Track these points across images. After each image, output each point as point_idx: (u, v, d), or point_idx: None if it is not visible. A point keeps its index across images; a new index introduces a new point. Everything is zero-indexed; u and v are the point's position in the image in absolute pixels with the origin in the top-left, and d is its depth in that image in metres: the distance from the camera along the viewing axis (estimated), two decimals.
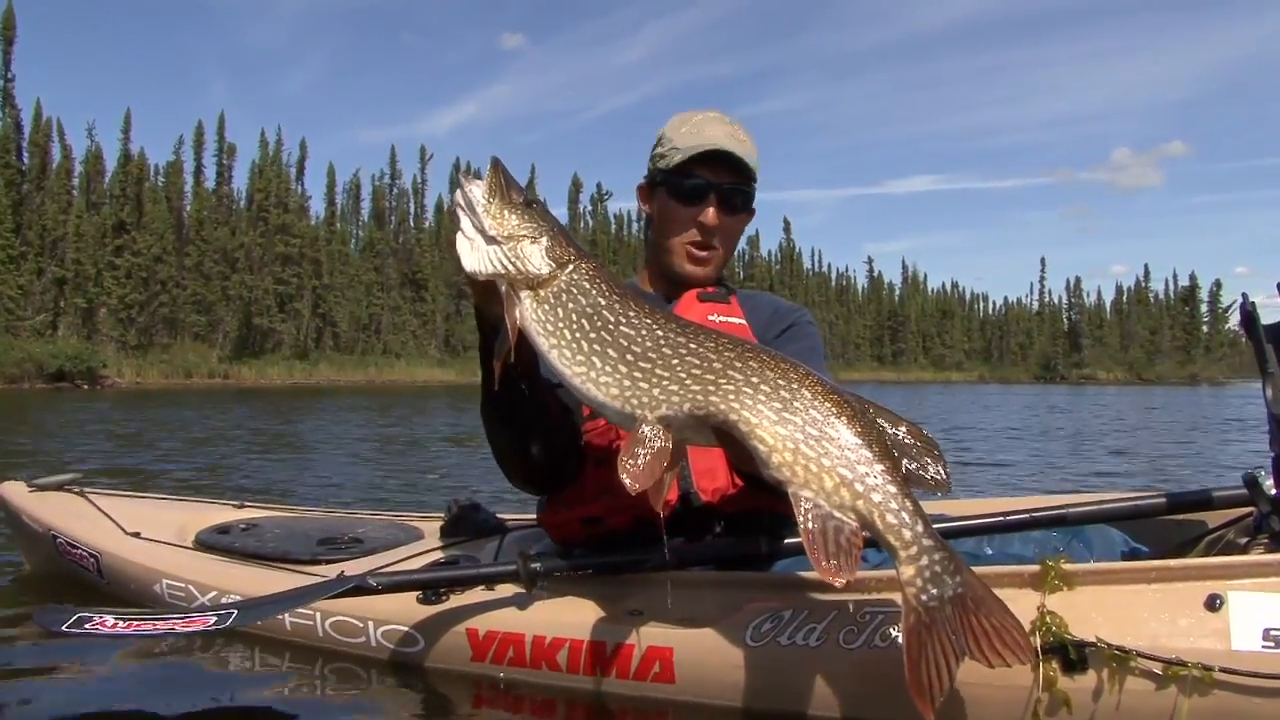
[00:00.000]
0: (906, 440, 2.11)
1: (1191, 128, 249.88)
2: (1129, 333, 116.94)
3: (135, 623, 2.74)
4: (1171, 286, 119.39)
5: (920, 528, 2.01)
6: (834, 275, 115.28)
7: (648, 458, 2.12)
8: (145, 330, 57.07)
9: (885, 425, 2.12)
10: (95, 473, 8.81)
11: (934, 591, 1.99)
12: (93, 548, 3.71)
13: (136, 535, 3.72)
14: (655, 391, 2.18)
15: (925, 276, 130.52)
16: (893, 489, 2.03)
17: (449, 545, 3.45)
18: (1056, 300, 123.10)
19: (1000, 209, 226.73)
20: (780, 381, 2.11)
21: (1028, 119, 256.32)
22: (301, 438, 15.17)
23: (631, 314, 2.26)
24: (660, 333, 2.23)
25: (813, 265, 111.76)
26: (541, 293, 2.28)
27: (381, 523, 4.01)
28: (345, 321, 68.19)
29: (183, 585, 3.33)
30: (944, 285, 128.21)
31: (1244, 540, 2.50)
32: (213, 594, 3.22)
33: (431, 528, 3.76)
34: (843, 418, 2.08)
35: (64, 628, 2.73)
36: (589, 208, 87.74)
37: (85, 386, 43.74)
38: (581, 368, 2.24)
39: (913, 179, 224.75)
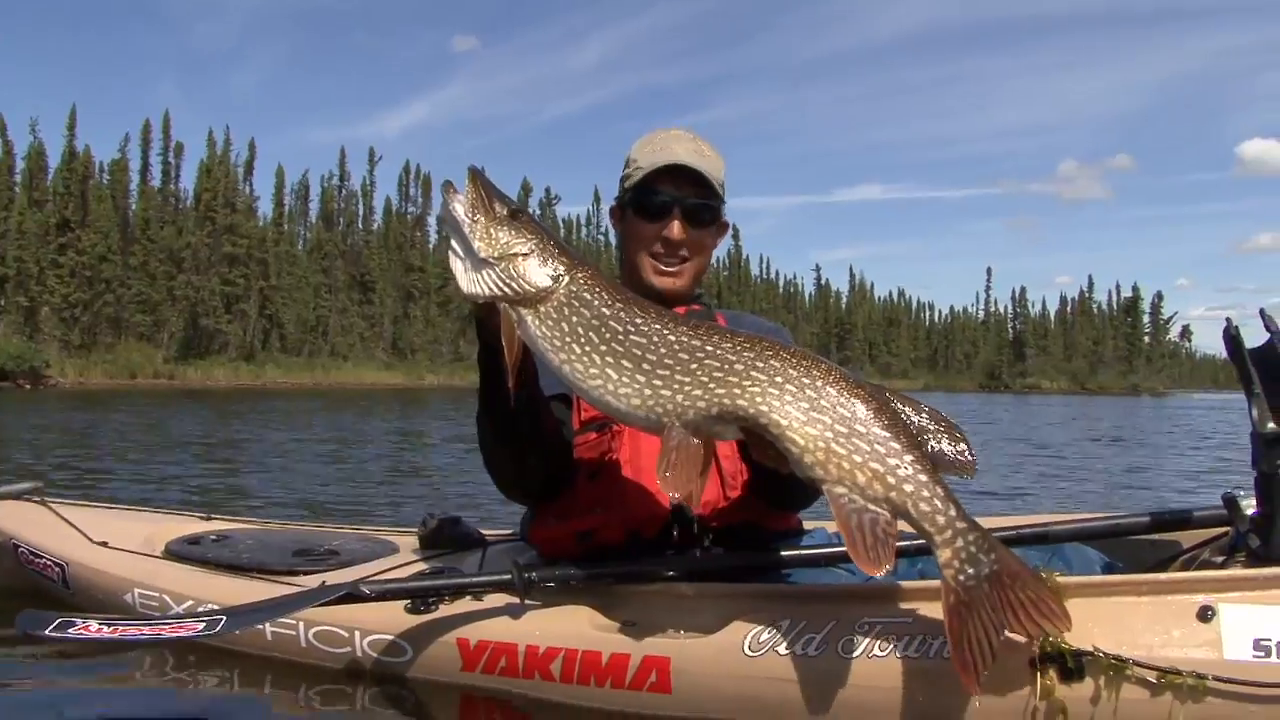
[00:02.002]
0: (930, 425, 2.18)
1: (1138, 141, 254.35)
2: (1072, 343, 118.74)
3: (120, 628, 2.69)
4: (1115, 297, 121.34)
5: (953, 512, 2.09)
6: (782, 283, 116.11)
7: (682, 464, 2.16)
8: (89, 330, 56.23)
9: (909, 412, 2.18)
10: (43, 477, 8.62)
11: (971, 571, 2.07)
12: (58, 557, 3.63)
13: (104, 545, 3.63)
14: (679, 398, 2.19)
15: (872, 285, 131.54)
16: (923, 477, 2.09)
17: (429, 557, 3.40)
18: (1002, 310, 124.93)
19: (948, 219, 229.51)
20: (805, 380, 2.15)
21: (976, 130, 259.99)
22: (254, 445, 14.98)
23: (639, 320, 2.26)
24: (672, 337, 2.23)
25: (761, 273, 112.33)
26: (542, 309, 2.27)
27: (354, 536, 3.94)
28: (292, 323, 67.57)
29: (156, 595, 3.27)
30: (891, 294, 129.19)
31: (1220, 559, 2.56)
32: (189, 603, 3.16)
33: (405, 541, 3.71)
34: (869, 412, 2.12)
35: (47, 631, 2.67)
36: (538, 212, 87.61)
37: (27, 386, 43.02)
38: (597, 380, 2.25)
39: (861, 188, 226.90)
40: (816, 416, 2.12)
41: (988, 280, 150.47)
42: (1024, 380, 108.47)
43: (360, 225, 77.07)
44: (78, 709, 2.80)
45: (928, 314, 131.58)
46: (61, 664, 3.17)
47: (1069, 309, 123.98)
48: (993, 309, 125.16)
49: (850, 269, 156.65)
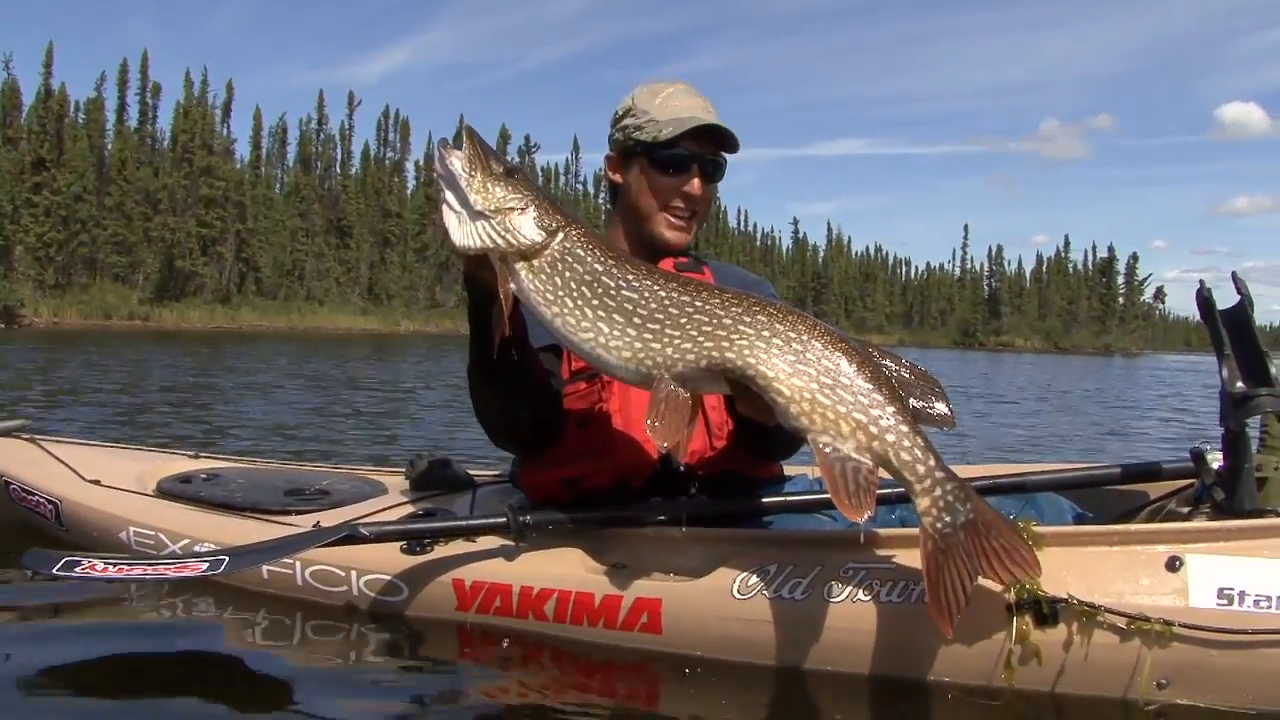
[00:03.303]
0: (910, 379, 2.28)
1: (1119, 101, 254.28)
2: (1047, 302, 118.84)
3: (125, 567, 2.75)
4: (1090, 257, 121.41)
5: (932, 462, 2.19)
6: (759, 235, 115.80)
7: (671, 415, 2.23)
8: (64, 270, 55.60)
9: (890, 366, 2.28)
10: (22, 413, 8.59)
11: (948, 519, 2.18)
12: (51, 494, 3.66)
13: (97, 483, 3.66)
14: (669, 350, 2.27)
15: (850, 239, 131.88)
16: (904, 429, 2.19)
17: (420, 499, 3.44)
18: (978, 267, 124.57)
19: (927, 175, 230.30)
20: (791, 334, 2.23)
21: (959, 86, 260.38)
22: (232, 386, 14.95)
23: (630, 276, 2.34)
24: (663, 293, 2.31)
25: (739, 225, 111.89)
26: (535, 263, 2.35)
27: (343, 476, 3.98)
28: (269, 266, 66.89)
29: (151, 533, 3.32)
30: (868, 248, 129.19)
31: (1185, 510, 2.66)
32: (184, 542, 3.21)
33: (394, 481, 3.75)
34: (853, 365, 2.21)
35: (55, 570, 2.73)
36: (517, 160, 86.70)
37: (1, 325, 42.69)
38: (589, 334, 2.33)
39: (840, 141, 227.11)
40: (802, 368, 2.21)
41: (964, 237, 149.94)
42: (998, 338, 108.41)
43: (338, 170, 76.29)
44: (85, 643, 2.85)
45: (904, 270, 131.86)
46: (58, 598, 3.20)
47: (1045, 268, 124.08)
48: (969, 266, 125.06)
49: (828, 223, 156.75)
